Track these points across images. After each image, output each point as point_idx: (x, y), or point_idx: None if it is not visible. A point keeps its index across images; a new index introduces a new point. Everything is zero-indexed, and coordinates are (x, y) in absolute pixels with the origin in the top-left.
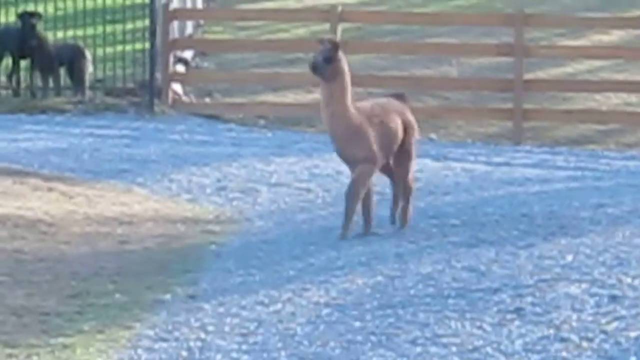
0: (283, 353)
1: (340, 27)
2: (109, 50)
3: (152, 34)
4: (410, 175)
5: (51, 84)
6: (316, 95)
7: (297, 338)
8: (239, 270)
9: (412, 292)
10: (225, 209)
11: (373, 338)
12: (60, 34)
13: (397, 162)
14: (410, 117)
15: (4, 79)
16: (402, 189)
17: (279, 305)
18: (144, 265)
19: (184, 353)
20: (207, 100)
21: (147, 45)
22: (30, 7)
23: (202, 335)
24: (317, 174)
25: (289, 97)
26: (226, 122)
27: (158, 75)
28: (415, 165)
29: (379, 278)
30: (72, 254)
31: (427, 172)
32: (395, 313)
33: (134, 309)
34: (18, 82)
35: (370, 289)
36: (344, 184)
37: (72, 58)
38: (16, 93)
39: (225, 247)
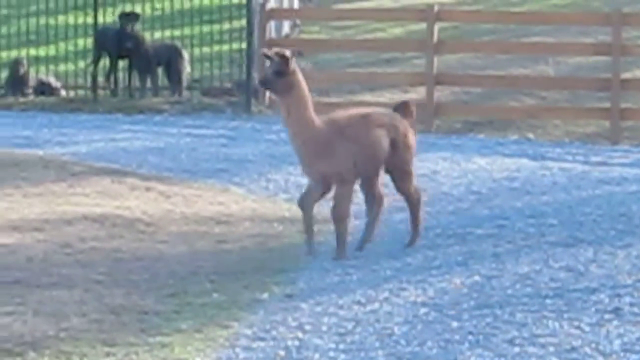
0: (380, 352)
1: (436, 27)
2: (206, 50)
3: (249, 33)
4: (412, 189)
5: (149, 84)
6: (413, 95)
7: (395, 337)
8: (336, 269)
9: (509, 292)
10: (321, 208)
11: (470, 338)
12: (157, 34)
13: (394, 178)
14: (404, 132)
15: (102, 79)
16: (408, 203)
17: (376, 305)
18: (241, 265)
19: (282, 352)
20: None
21: (244, 45)
22: (128, 8)
23: (300, 335)
24: None
25: (386, 96)
26: None
27: (255, 75)
28: (413, 177)
29: (476, 278)
30: (170, 253)
31: (524, 172)
32: (493, 313)
33: (231, 308)
34: (116, 83)
35: (468, 288)
36: (440, 183)
37: (169, 58)
38: (114, 93)
39: (322, 247)
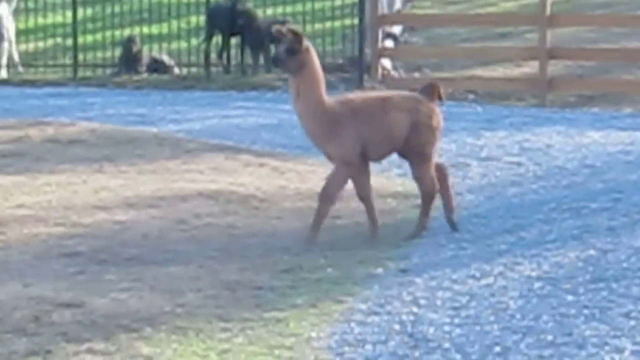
0: (495, 327)
1: (549, 0)
2: (318, 26)
3: (361, 10)
4: (427, 177)
5: (261, 60)
6: (526, 69)
7: (510, 312)
8: (450, 244)
9: (625, 265)
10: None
11: (586, 311)
12: (269, 11)
13: (410, 163)
14: (427, 115)
15: (214, 56)
16: (420, 192)
17: (491, 279)
18: (355, 240)
19: (397, 327)
20: (416, 75)
21: (356, 21)
22: None
23: (414, 309)
24: (528, 147)
25: (499, 71)
26: None
27: (367, 51)
28: (432, 169)
29: (591, 252)
30: (283, 229)
31: (638, 145)
32: (608, 286)
33: (346, 283)
34: (228, 60)
35: (583, 262)
36: (554, 157)
37: None
38: (227, 70)
39: (436, 222)
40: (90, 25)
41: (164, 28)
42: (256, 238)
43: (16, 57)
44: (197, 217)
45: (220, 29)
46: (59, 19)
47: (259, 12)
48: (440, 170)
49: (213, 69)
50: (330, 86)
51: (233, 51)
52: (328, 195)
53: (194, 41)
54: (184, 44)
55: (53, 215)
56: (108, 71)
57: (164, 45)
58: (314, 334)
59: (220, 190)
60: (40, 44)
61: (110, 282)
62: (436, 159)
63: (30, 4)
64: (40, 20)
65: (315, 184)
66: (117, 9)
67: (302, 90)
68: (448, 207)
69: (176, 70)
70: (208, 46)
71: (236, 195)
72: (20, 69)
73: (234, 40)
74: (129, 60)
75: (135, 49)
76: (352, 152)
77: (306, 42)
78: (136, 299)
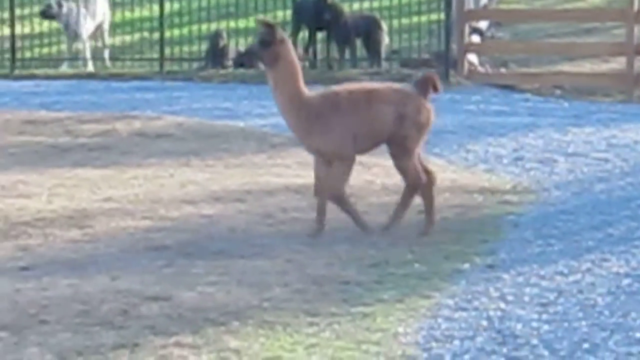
0: (583, 323)
1: None
2: (404, 21)
3: (447, 4)
4: (410, 169)
5: (347, 55)
6: (613, 64)
7: (598, 308)
8: (537, 240)
9: None
10: (522, 179)
11: None
12: (356, 6)
13: (391, 155)
14: (413, 110)
15: (301, 51)
16: (405, 184)
17: (579, 276)
18: (442, 235)
19: (484, 323)
20: (503, 70)
21: (442, 16)
22: None
23: (502, 305)
24: (615, 144)
25: (586, 66)
26: (522, 92)
27: (453, 46)
28: (415, 162)
29: None
30: (370, 223)
31: None
32: None
33: (432, 278)
34: (315, 54)
35: None
36: None
37: (368, 29)
38: (313, 65)
39: (523, 217)
40: (177, 19)
41: (251, 22)
42: (343, 233)
43: (106, 53)
44: (284, 212)
45: (307, 24)
46: (146, 13)
47: (346, 7)
48: (413, 177)
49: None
50: None
51: (319, 46)
52: (337, 195)
53: None
54: None
55: (140, 209)
56: (194, 65)
57: (250, 39)
58: (401, 329)
59: (306, 185)
60: (128, 38)
61: (197, 275)
62: (418, 157)
63: None
64: (128, 15)
65: (400, 178)
66: (204, 3)
67: (278, 83)
68: (397, 212)
69: (262, 64)
70: (294, 41)
71: None
72: (108, 63)
73: (320, 35)
74: (216, 54)
75: (222, 43)
76: (344, 145)
77: (280, 34)
78: (223, 293)
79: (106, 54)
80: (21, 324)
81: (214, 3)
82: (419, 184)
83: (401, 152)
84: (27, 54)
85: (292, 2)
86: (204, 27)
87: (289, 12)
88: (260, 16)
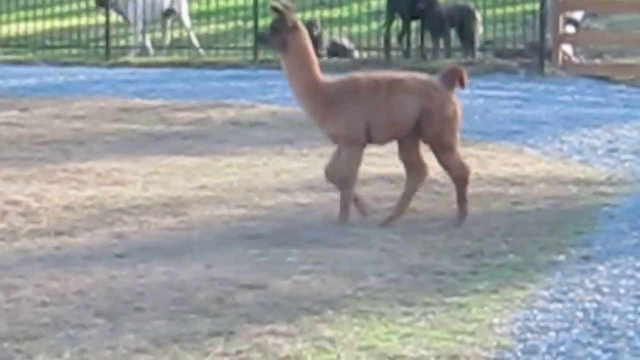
0: None
1: None
2: (498, 11)
3: None
4: (453, 163)
5: (441, 45)
6: None
7: None
8: (632, 231)
9: None
10: (617, 170)
11: None
12: None
13: (433, 152)
14: (440, 102)
15: (394, 40)
16: (451, 180)
17: None
18: (536, 226)
19: (579, 314)
20: (597, 61)
21: (537, 6)
22: None
23: (597, 297)
24: None
25: None
26: (617, 83)
27: (548, 37)
28: (457, 156)
29: None
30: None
31: None
32: None
33: (527, 269)
34: (408, 44)
35: None
36: None
37: (462, 19)
38: (406, 54)
39: (618, 209)
40: None
41: (345, 12)
42: (437, 223)
43: (195, 41)
44: (378, 201)
45: (401, 13)
46: (240, 1)
47: None
48: (419, 168)
49: (393, 53)
50: (510, 71)
51: (413, 35)
52: (346, 180)
53: (373, 25)
54: (364, 28)
55: (235, 197)
56: None
57: (344, 29)
58: (496, 320)
59: (400, 174)
60: (222, 27)
61: (292, 264)
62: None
63: None
64: (222, 3)
65: (495, 169)
66: None
67: (291, 69)
68: (401, 204)
69: (356, 54)
70: (388, 30)
71: None
72: (201, 51)
73: (413, 24)
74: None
75: (315, 32)
76: (354, 130)
77: (292, 20)
78: (318, 282)
79: (194, 41)
80: (117, 310)
81: None
82: (465, 177)
83: (440, 148)
84: (122, 42)
85: None
86: (298, 16)
87: (383, 2)
88: (275, 2)
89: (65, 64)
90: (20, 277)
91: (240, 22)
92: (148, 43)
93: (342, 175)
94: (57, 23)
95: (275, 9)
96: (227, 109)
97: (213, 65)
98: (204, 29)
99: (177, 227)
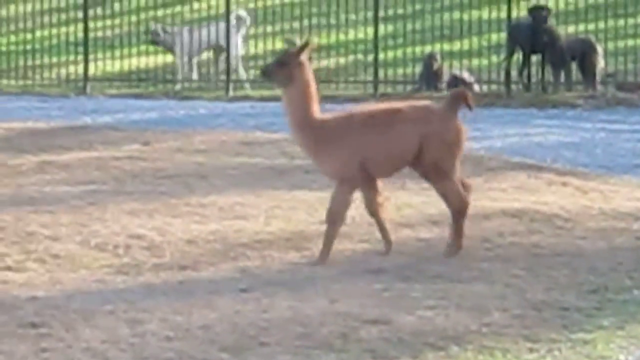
0: None
1: None
2: (620, 44)
3: None
4: (450, 192)
5: (562, 78)
6: None
7: None
8: None
9: None
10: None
11: None
12: (571, 29)
13: (429, 181)
14: (440, 128)
15: (515, 74)
16: (448, 209)
17: None
18: None
19: None
20: None
21: None
22: (541, 2)
23: None
24: None
25: None
26: None
27: None
28: (456, 185)
29: None
30: (588, 249)
31: None
32: None
33: None
34: (529, 77)
35: None
36: None
37: (583, 52)
38: (527, 88)
39: None
40: (391, 42)
41: (465, 45)
42: (561, 258)
43: (242, 75)
44: (501, 236)
45: (522, 47)
46: (360, 35)
47: (561, 30)
48: (454, 198)
49: (513, 87)
50: (632, 105)
51: (533, 68)
52: (333, 216)
53: (494, 58)
54: (484, 61)
55: (357, 232)
56: (408, 87)
57: (464, 62)
58: (622, 357)
59: (523, 209)
60: (341, 60)
61: (416, 299)
62: (456, 173)
63: (332, 20)
64: (341, 37)
65: (619, 204)
66: (417, 25)
67: (290, 104)
68: (453, 238)
69: (476, 87)
70: (509, 63)
71: (540, 214)
72: (247, 85)
73: (534, 58)
74: (430, 76)
75: (435, 65)
76: (347, 169)
77: (301, 57)
78: (442, 317)
79: (241, 74)
80: (241, 345)
81: (428, 25)
82: (464, 208)
83: (437, 176)
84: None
85: (508, 25)
86: (418, 49)
87: (503, 35)
88: (290, 37)
89: (186, 98)
90: (145, 312)
91: (360, 56)
92: (195, 76)
93: (329, 214)
94: None
95: (290, 45)
96: None
97: (333, 99)
98: (324, 63)
99: (300, 262)
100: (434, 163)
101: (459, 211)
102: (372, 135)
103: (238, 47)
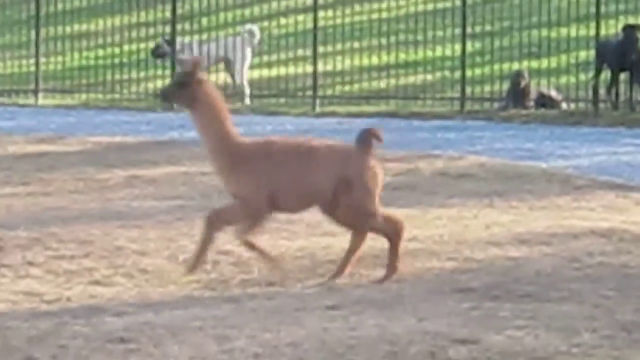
0: None
1: None
2: None
3: None
4: (381, 227)
5: None
6: None
7: None
8: None
9: None
10: None
11: None
12: None
13: (349, 226)
14: (356, 171)
15: (603, 92)
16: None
17: None
18: None
19: None
20: None
21: None
22: (632, 20)
23: None
24: None
25: None
26: None
27: None
28: (379, 216)
29: None
30: None
31: None
32: None
33: None
34: (617, 96)
35: None
36: None
37: None
38: (615, 106)
39: None
40: (478, 59)
41: (553, 62)
42: None
43: (246, 91)
44: (590, 256)
45: (610, 65)
46: (447, 52)
47: None
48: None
49: (601, 105)
50: None
51: (621, 87)
52: (214, 221)
53: (582, 76)
54: (572, 79)
55: (445, 250)
56: (495, 105)
57: (552, 80)
58: None
59: (612, 229)
60: (429, 77)
61: (505, 319)
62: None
63: (419, 37)
64: (429, 53)
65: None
66: (505, 42)
67: (201, 124)
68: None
69: (564, 105)
70: (597, 82)
71: (629, 234)
72: (247, 101)
73: (622, 76)
74: (517, 94)
75: (523, 83)
76: (256, 196)
77: (200, 75)
78: (532, 337)
79: (246, 90)
80: None
81: (516, 42)
82: (399, 230)
83: (362, 220)
84: (329, 92)
85: (596, 43)
86: (505, 66)
87: (591, 53)
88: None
89: (272, 113)
90: (233, 328)
91: (447, 73)
92: None
93: (215, 216)
94: (265, 72)
95: (189, 64)
96: (435, 160)
97: (419, 116)
98: (411, 79)
99: (388, 280)
100: (355, 206)
101: (396, 234)
102: (288, 168)
103: (246, 61)
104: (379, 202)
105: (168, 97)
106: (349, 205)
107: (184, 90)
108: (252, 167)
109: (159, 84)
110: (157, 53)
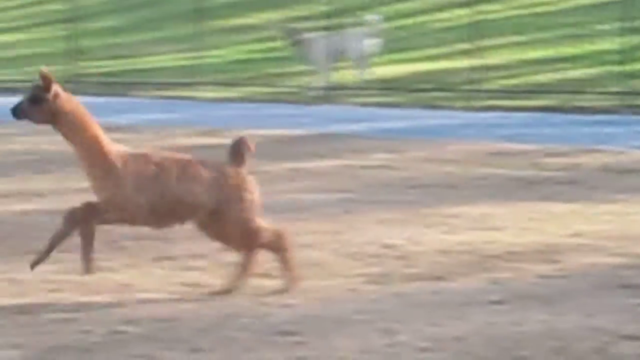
0: None
1: None
2: None
3: None
4: (267, 242)
5: None
6: None
7: None
8: None
9: None
10: None
11: None
12: None
13: (228, 242)
14: (231, 189)
15: None
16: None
17: None
18: None
19: None
20: None
21: None
22: None
23: None
24: None
25: None
26: None
27: None
28: (263, 230)
29: None
30: None
31: None
32: None
33: None
34: None
35: None
36: None
37: None
38: None
39: None
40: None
41: None
42: None
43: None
44: None
45: None
46: (606, 45)
47: None
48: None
49: None
50: None
51: None
52: (75, 218)
53: None
54: None
55: (610, 246)
56: None
57: None
58: None
59: None
60: (592, 71)
61: None
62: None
63: (580, 31)
64: (590, 47)
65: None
66: None
67: (69, 139)
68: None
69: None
70: None
71: None
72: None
73: None
74: None
75: None
76: (130, 203)
77: (55, 88)
78: None
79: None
80: (496, 358)
81: None
82: (283, 243)
83: (243, 236)
84: (490, 85)
85: None
86: None
87: None
88: (44, 68)
89: (434, 107)
90: (398, 322)
91: (609, 67)
92: (322, 84)
93: (74, 213)
94: (426, 66)
95: (42, 77)
96: (599, 154)
97: (582, 110)
98: (571, 74)
99: (552, 275)
100: (235, 225)
101: (281, 248)
102: (159, 184)
103: (364, 51)
104: (257, 217)
105: (21, 115)
106: (230, 224)
107: (39, 106)
108: (123, 179)
109: (315, 78)
110: (292, 42)
